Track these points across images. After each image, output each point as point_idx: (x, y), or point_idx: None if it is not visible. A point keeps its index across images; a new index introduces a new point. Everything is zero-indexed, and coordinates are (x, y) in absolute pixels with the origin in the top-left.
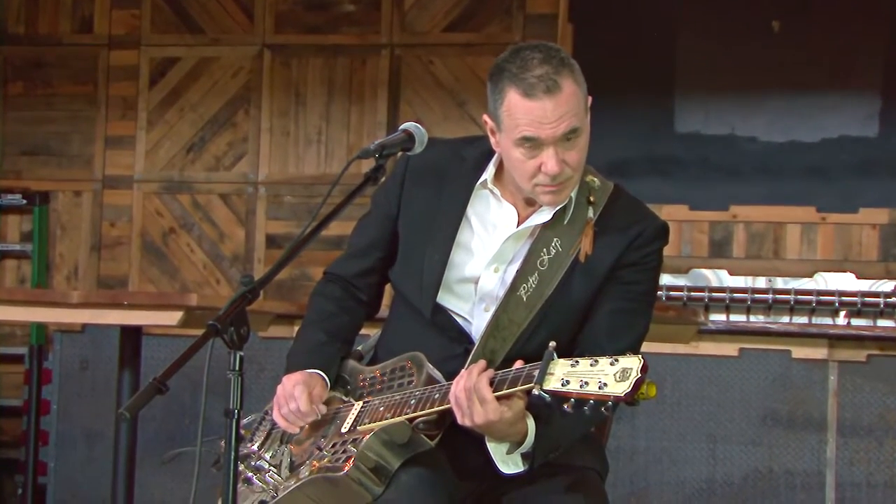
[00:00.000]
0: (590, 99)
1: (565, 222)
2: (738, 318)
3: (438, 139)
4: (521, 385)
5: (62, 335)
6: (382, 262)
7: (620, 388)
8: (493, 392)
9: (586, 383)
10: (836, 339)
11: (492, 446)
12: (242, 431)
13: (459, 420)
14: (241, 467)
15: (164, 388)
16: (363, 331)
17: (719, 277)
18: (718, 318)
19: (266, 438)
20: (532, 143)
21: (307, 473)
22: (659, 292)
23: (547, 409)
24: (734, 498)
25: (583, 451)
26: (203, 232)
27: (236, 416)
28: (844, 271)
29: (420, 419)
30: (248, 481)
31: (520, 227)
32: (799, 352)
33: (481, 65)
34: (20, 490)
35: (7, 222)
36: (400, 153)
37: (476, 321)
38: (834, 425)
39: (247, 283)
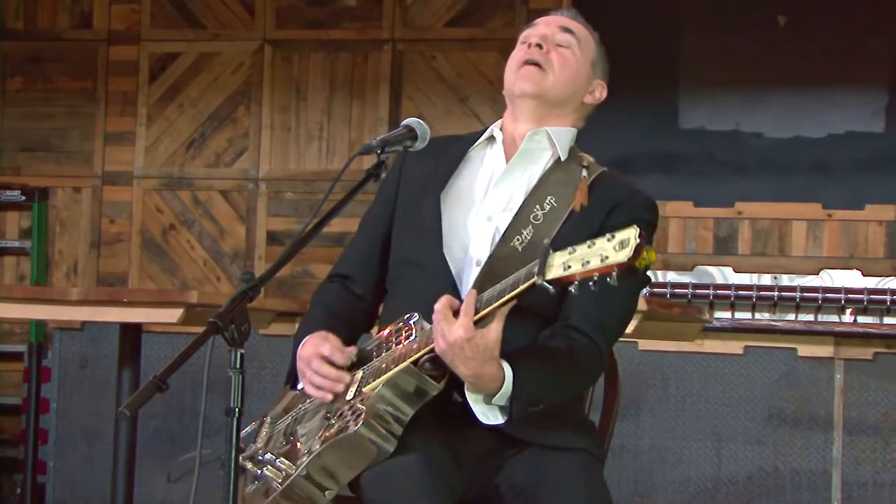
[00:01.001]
0: (605, 87)
1: (560, 170)
2: (743, 315)
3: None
4: (524, 284)
5: (61, 333)
6: (382, 256)
7: (623, 255)
8: (486, 308)
9: (588, 262)
10: (842, 337)
11: (471, 397)
12: (241, 445)
13: (436, 348)
14: (249, 466)
15: (165, 387)
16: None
17: (724, 275)
18: (723, 315)
19: (269, 440)
20: (529, 30)
21: (318, 447)
22: (663, 290)
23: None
24: (739, 497)
25: (575, 433)
26: (203, 228)
27: (237, 415)
28: (850, 268)
29: (424, 360)
30: (258, 478)
31: (508, 166)
32: (805, 350)
33: (484, 60)
34: (19, 489)
35: (6, 219)
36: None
37: (467, 279)
38: (840, 424)
39: (248, 280)
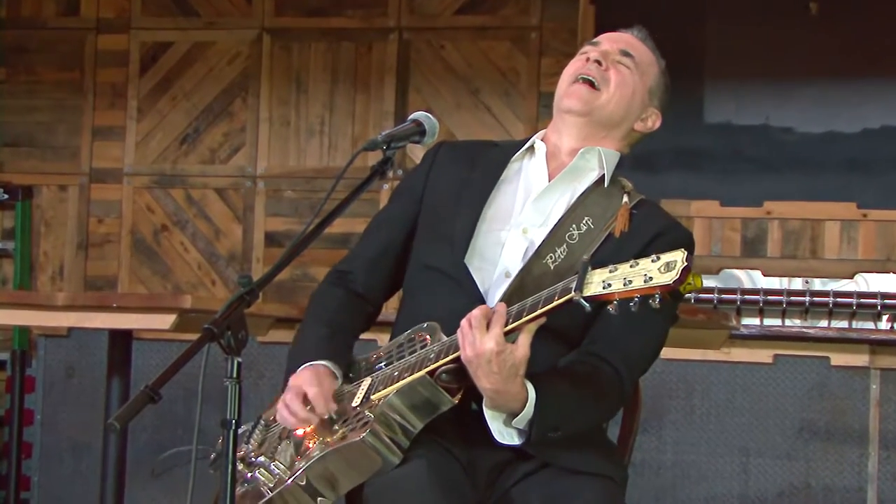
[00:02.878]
0: (659, 116)
1: (603, 191)
2: (772, 322)
3: (466, 140)
4: (559, 299)
5: (46, 340)
6: (392, 260)
7: (668, 278)
8: (517, 320)
9: (630, 281)
10: (878, 345)
11: (489, 413)
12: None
13: (462, 355)
14: (241, 467)
15: (157, 397)
16: (368, 336)
17: (752, 278)
18: (751, 322)
19: (263, 441)
20: (590, 45)
21: (319, 452)
22: (688, 294)
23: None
24: None
25: (598, 457)
26: (197, 229)
27: (233, 427)
28: (887, 272)
29: (442, 370)
30: (247, 480)
31: (553, 181)
32: (838, 358)
33: (496, 50)
34: None
35: None
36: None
37: (495, 290)
38: (876, 438)
39: (245, 284)
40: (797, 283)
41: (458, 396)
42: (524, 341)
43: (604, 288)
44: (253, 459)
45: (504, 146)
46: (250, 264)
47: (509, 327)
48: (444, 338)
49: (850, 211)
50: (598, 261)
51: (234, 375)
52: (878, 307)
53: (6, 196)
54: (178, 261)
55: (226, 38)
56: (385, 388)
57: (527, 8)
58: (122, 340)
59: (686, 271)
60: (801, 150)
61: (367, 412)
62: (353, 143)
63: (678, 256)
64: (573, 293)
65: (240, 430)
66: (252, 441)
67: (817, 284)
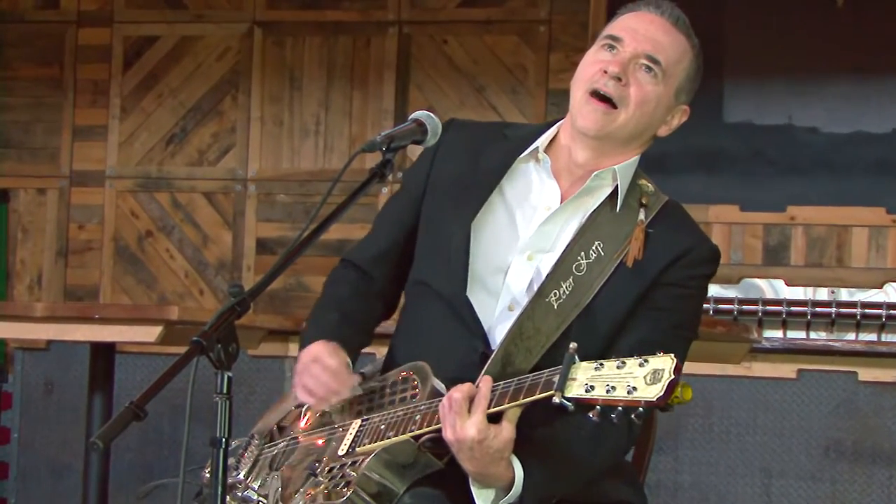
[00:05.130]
0: (686, 111)
1: (616, 210)
2: (796, 334)
3: (477, 121)
4: (540, 393)
5: (24, 353)
6: (402, 251)
7: (652, 392)
8: (498, 405)
9: (613, 388)
10: None
11: (475, 491)
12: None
13: (444, 434)
14: (227, 499)
15: (142, 414)
16: (369, 349)
17: (775, 288)
18: (774, 334)
19: (253, 466)
20: (611, 43)
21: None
22: (706, 305)
23: (564, 423)
24: None
25: (617, 484)
26: (184, 235)
27: (223, 446)
28: None
29: (426, 437)
30: None
31: (563, 204)
32: (866, 373)
33: (502, 45)
34: None
35: None
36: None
37: (497, 323)
38: None
39: (235, 293)
40: (822, 294)
41: (446, 461)
42: (508, 425)
43: (586, 391)
44: (240, 493)
45: (513, 137)
46: (241, 273)
47: (491, 411)
48: (436, 384)
49: (879, 216)
50: (605, 296)
51: (225, 391)
52: None
53: None
54: (164, 269)
55: (215, 31)
56: (370, 441)
57: (534, 1)
58: (104, 354)
59: (672, 385)
60: (827, 151)
61: (349, 470)
62: (350, 143)
63: (666, 366)
64: (554, 392)
65: (232, 445)
66: (242, 465)
67: (844, 295)
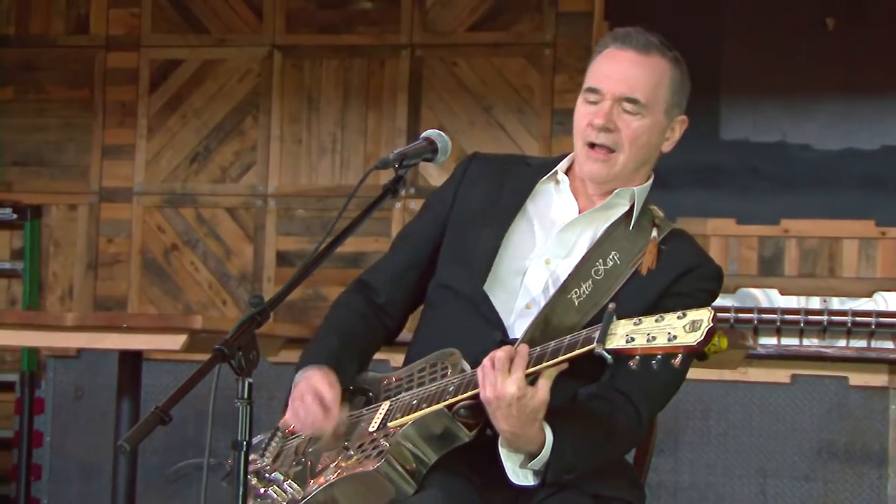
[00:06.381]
0: (685, 121)
1: (630, 227)
2: (790, 341)
3: (500, 154)
4: (580, 349)
5: (56, 361)
6: (421, 268)
7: (692, 338)
8: (537, 364)
9: (654, 338)
10: None
11: (504, 452)
12: (252, 454)
13: (482, 394)
14: (254, 482)
15: (167, 419)
16: (382, 355)
17: (769, 297)
18: (769, 341)
19: (278, 455)
20: (593, 95)
21: (333, 476)
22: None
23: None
24: None
25: (617, 481)
26: (208, 249)
27: (245, 448)
28: None
29: (460, 405)
30: (260, 496)
31: (581, 215)
32: (857, 378)
33: (509, 66)
34: None
35: None
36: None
37: (516, 320)
38: (895, 459)
39: (256, 304)
40: (815, 302)
41: (476, 431)
42: (544, 386)
43: (627, 342)
44: (267, 475)
45: (535, 165)
46: (261, 284)
47: (530, 370)
48: (466, 367)
49: (869, 229)
50: (623, 299)
51: (246, 396)
52: None
53: (15, 216)
54: (189, 281)
55: (236, 55)
56: (402, 416)
57: (540, 24)
58: (131, 361)
59: (711, 332)
60: (819, 167)
61: (382, 440)
62: (365, 161)
63: (704, 316)
64: (595, 344)
65: (255, 440)
66: (268, 454)
67: (835, 303)
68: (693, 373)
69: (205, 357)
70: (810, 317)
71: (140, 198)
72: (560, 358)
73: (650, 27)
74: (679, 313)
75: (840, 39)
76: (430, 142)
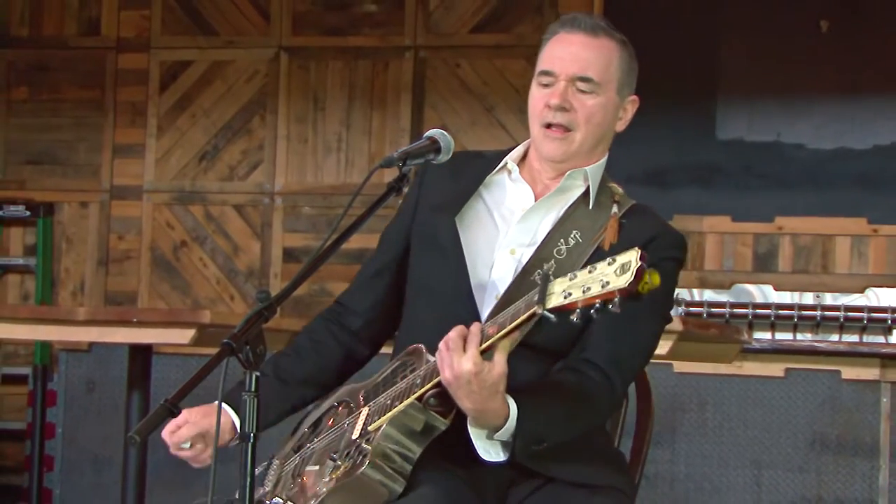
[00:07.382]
0: (635, 100)
1: (590, 206)
2: (784, 336)
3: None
4: (524, 315)
5: (67, 354)
6: (394, 277)
7: (623, 280)
8: (488, 338)
9: (588, 288)
10: (888, 359)
11: (474, 432)
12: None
13: (442, 377)
14: None
15: (176, 411)
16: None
17: (764, 293)
18: (763, 336)
19: (278, 482)
20: (547, 77)
21: (325, 490)
22: (700, 309)
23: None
24: None
25: (605, 469)
26: (216, 245)
27: (252, 440)
28: None
29: (429, 395)
30: None
31: (538, 201)
32: (849, 372)
33: (511, 67)
34: None
35: (10, 235)
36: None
37: (486, 311)
38: (887, 450)
39: (263, 299)
40: (808, 298)
41: (451, 418)
42: (500, 358)
43: (564, 298)
44: (268, 502)
45: (489, 156)
46: (268, 280)
47: (484, 345)
48: (431, 358)
49: (861, 226)
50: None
51: (253, 389)
52: (889, 321)
53: (28, 213)
54: (198, 276)
55: (244, 56)
56: (380, 417)
57: (541, 26)
58: (141, 355)
59: (641, 271)
60: (813, 166)
61: (364, 445)
62: (369, 159)
63: (632, 257)
64: (536, 306)
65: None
66: (267, 482)
67: (828, 299)
68: (689, 366)
69: (213, 351)
70: (804, 312)
71: (150, 195)
72: (509, 327)
73: (649, 28)
74: (608, 259)
75: (834, 42)
76: (433, 141)
